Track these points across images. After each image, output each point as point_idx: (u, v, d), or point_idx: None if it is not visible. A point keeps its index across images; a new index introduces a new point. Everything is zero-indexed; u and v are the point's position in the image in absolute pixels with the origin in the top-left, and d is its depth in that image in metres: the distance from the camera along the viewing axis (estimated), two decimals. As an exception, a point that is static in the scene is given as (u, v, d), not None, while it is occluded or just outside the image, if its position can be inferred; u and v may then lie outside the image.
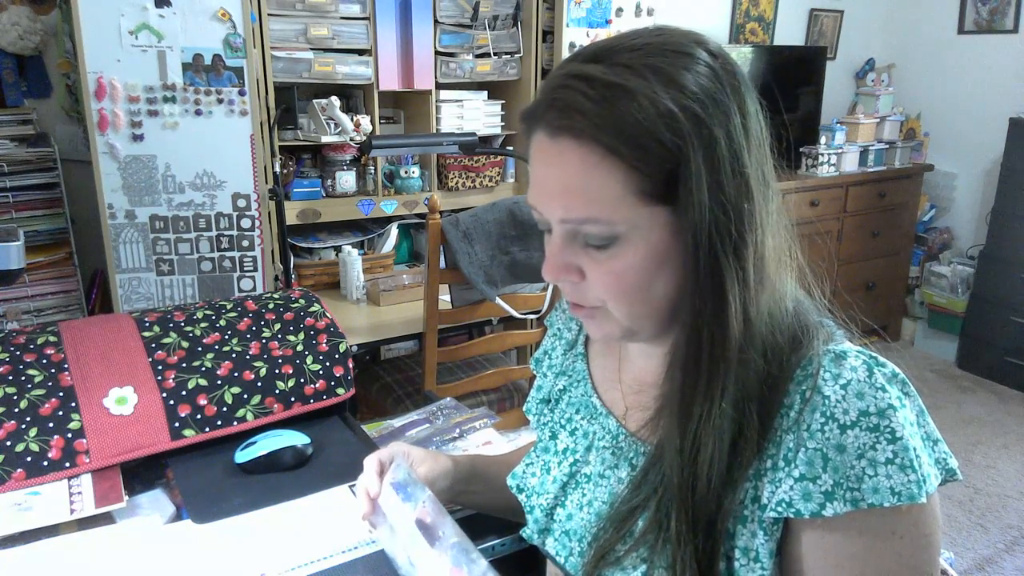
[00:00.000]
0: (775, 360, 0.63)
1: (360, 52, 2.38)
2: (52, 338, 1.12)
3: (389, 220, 2.61)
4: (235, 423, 1.10)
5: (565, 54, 2.66)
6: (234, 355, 1.15)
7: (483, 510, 0.98)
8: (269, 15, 2.19)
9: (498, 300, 2.02)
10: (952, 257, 3.90)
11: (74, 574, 0.84)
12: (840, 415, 0.59)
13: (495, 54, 2.61)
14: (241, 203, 2.11)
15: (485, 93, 2.70)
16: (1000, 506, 2.61)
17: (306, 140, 2.38)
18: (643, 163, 0.59)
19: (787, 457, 0.61)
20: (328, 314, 1.26)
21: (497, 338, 2.13)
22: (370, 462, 0.87)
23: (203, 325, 1.19)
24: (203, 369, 1.12)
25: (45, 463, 0.98)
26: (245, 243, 2.14)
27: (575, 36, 2.66)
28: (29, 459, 0.98)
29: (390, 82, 2.45)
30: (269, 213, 2.15)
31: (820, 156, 3.52)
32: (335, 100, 2.32)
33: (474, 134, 2.05)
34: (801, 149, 3.57)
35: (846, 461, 0.58)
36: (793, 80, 3.64)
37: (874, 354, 0.63)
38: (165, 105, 1.98)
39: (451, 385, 2.05)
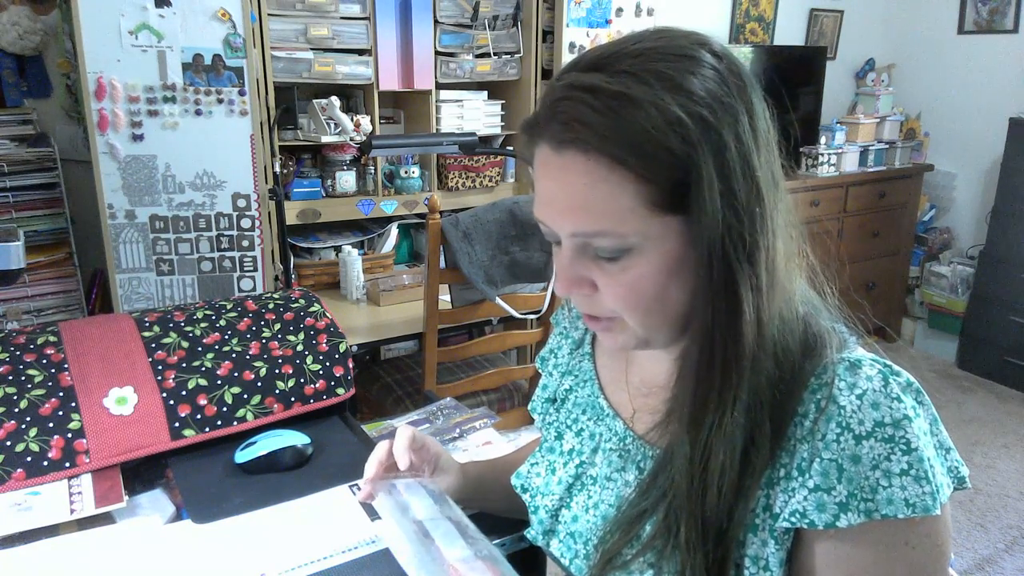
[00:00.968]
0: (787, 364, 0.62)
1: (360, 52, 2.38)
2: (52, 338, 1.12)
3: (389, 220, 2.61)
4: (235, 423, 1.10)
5: (565, 54, 2.66)
6: (234, 355, 1.15)
7: (488, 512, 0.98)
8: (269, 15, 2.19)
9: (498, 300, 2.02)
10: (952, 257, 3.90)
11: (74, 574, 0.84)
12: (855, 425, 0.58)
13: (495, 54, 2.61)
14: (241, 203, 2.11)
15: (485, 93, 2.70)
16: (1000, 506, 2.61)
17: (306, 140, 2.38)
18: (653, 173, 0.57)
19: (801, 467, 0.60)
20: (328, 314, 1.26)
21: (497, 338, 2.13)
22: (404, 432, 0.85)
23: (203, 325, 1.19)
24: (203, 369, 1.12)
25: (45, 463, 0.98)
26: (245, 243, 2.14)
27: (575, 36, 2.66)
28: (29, 459, 0.98)
29: (390, 82, 2.45)
30: (269, 213, 2.15)
31: (820, 156, 3.52)
32: (335, 100, 2.32)
33: (474, 134, 2.04)
34: (801, 149, 3.57)
35: (861, 472, 0.58)
36: (793, 80, 3.64)
37: (889, 363, 0.63)
38: (165, 105, 1.98)
39: (451, 385, 2.05)
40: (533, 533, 0.82)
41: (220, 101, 2.03)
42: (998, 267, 3.44)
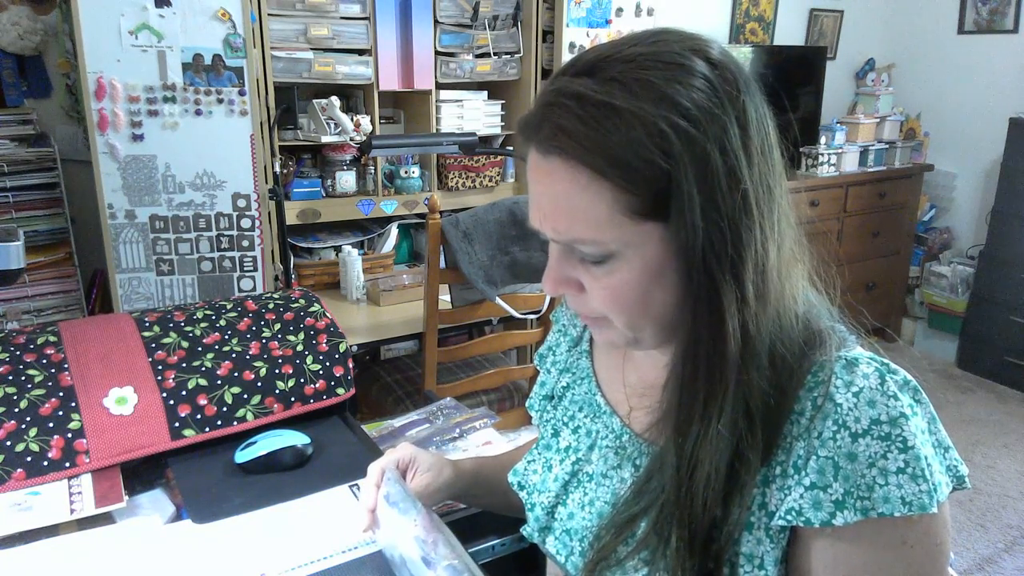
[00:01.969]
0: (784, 371, 0.62)
1: (360, 52, 2.38)
2: (52, 338, 1.12)
3: (389, 220, 2.61)
4: (235, 423, 1.10)
5: (565, 54, 2.66)
6: (234, 355, 1.15)
7: (486, 509, 0.98)
8: (269, 15, 2.19)
9: (498, 300, 2.02)
10: (952, 257, 3.90)
11: (74, 574, 0.84)
12: (852, 423, 0.58)
13: (495, 54, 2.61)
14: (241, 203, 2.11)
15: (485, 93, 2.70)
16: (1000, 506, 2.61)
17: (306, 140, 2.38)
18: (633, 184, 0.57)
19: (797, 465, 0.60)
20: (328, 314, 1.26)
21: (497, 338, 2.13)
22: (373, 470, 0.87)
23: (203, 325, 1.19)
24: (203, 369, 1.12)
25: (45, 463, 0.98)
26: (245, 243, 2.14)
27: (575, 36, 2.66)
28: (29, 459, 0.98)
29: (390, 82, 2.45)
30: (269, 213, 2.15)
31: (820, 156, 3.52)
32: (335, 100, 2.32)
33: (474, 134, 2.05)
34: (801, 149, 3.57)
35: (857, 470, 0.58)
36: (793, 80, 3.64)
37: (886, 361, 0.63)
38: (165, 105, 1.98)
39: (451, 385, 2.05)
40: (530, 530, 0.83)
41: (220, 101, 2.03)
42: (998, 267, 3.44)
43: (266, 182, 2.14)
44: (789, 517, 0.60)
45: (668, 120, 0.56)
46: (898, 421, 0.58)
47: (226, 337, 1.18)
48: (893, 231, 3.82)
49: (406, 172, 2.57)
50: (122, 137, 1.96)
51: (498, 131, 2.74)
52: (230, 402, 1.10)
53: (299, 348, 1.19)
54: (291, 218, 2.31)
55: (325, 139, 2.34)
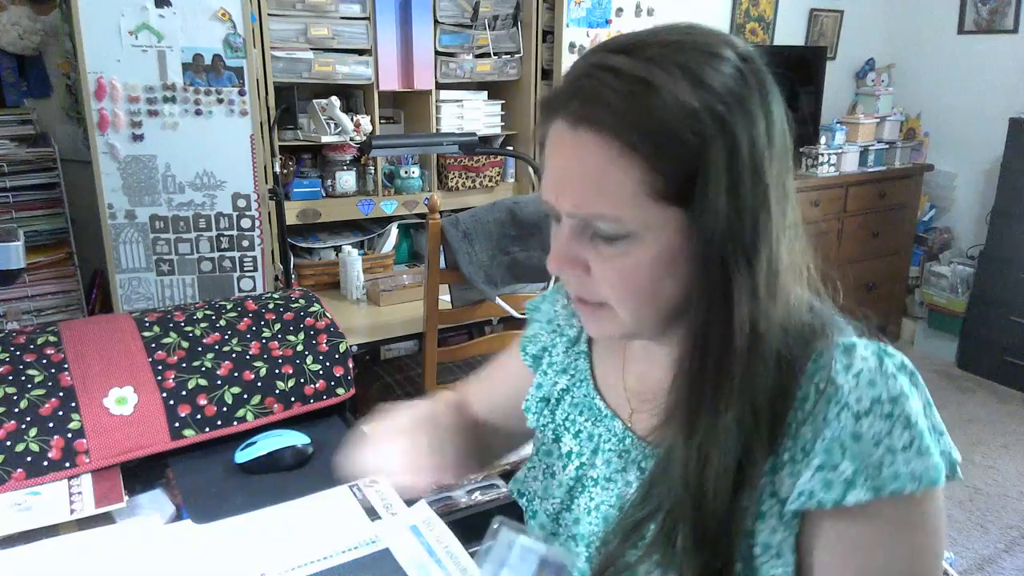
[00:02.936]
0: (787, 362, 0.62)
1: (360, 52, 2.38)
2: (52, 338, 1.12)
3: (389, 220, 2.61)
4: (235, 423, 1.10)
5: (565, 54, 2.66)
6: (234, 355, 1.15)
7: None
8: (269, 15, 2.19)
9: (498, 300, 2.02)
10: (952, 257, 3.90)
11: (74, 574, 0.84)
12: (853, 403, 0.59)
13: (495, 54, 2.61)
14: (241, 203, 2.11)
15: (485, 93, 2.70)
16: (1000, 506, 2.61)
17: (306, 140, 2.38)
18: (662, 162, 0.57)
19: (805, 448, 0.60)
20: (328, 314, 1.26)
21: (497, 338, 2.13)
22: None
23: (203, 325, 1.19)
24: (203, 369, 1.12)
25: (45, 463, 0.98)
26: (245, 243, 2.14)
27: (575, 36, 2.66)
28: (29, 459, 0.98)
29: (390, 82, 2.45)
30: (269, 213, 2.15)
31: (820, 156, 3.52)
32: (335, 100, 2.32)
33: (474, 134, 2.05)
34: (801, 149, 3.57)
35: (864, 449, 0.58)
36: (793, 80, 3.62)
37: (883, 345, 0.63)
38: (165, 105, 1.98)
39: (451, 385, 2.05)
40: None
41: (220, 101, 2.03)
42: (998, 267, 3.44)
43: (266, 182, 2.14)
44: (802, 500, 0.60)
45: (703, 102, 0.56)
46: (899, 400, 0.59)
47: (226, 337, 1.18)
48: (893, 231, 3.82)
49: (406, 172, 2.57)
50: (122, 137, 1.96)
51: (498, 131, 2.74)
52: (230, 402, 1.10)
53: (299, 348, 1.19)
54: (291, 218, 2.30)
55: (325, 139, 2.34)
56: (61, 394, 1.04)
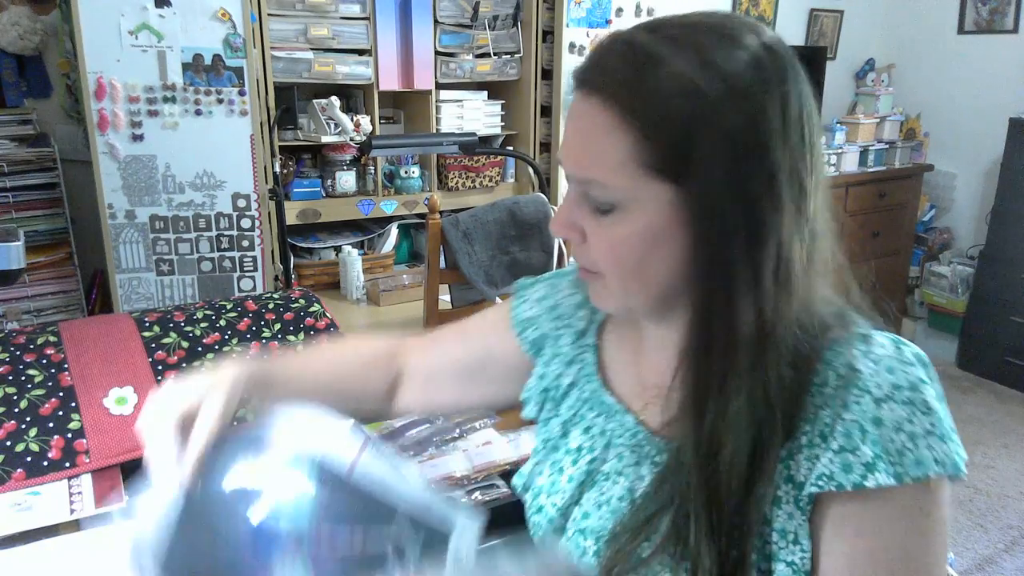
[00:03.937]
0: (804, 350, 0.62)
1: (360, 52, 2.38)
2: (52, 338, 1.12)
3: (389, 220, 2.61)
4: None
5: (565, 54, 2.66)
6: (234, 355, 1.15)
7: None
8: (269, 15, 2.20)
9: (498, 300, 2.02)
10: (952, 257, 3.90)
11: (74, 574, 0.84)
12: (874, 388, 0.59)
13: (495, 54, 2.61)
14: (241, 203, 2.11)
15: (485, 93, 2.70)
16: (1000, 506, 2.61)
17: (306, 140, 2.38)
18: (654, 133, 0.58)
19: (823, 433, 0.60)
20: (328, 314, 1.26)
21: (497, 338, 2.13)
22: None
23: (203, 325, 1.19)
24: (203, 369, 1.12)
25: (45, 463, 0.98)
26: (245, 243, 2.14)
27: (575, 36, 2.66)
28: (29, 459, 0.98)
29: (390, 82, 2.45)
30: (269, 213, 2.15)
31: (820, 156, 3.52)
32: (335, 100, 2.32)
33: (474, 134, 2.05)
34: (801, 149, 3.57)
35: (885, 434, 0.58)
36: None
37: (899, 337, 0.64)
38: (165, 105, 1.98)
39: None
40: (540, 533, 0.81)
41: (220, 101, 2.03)
42: (998, 267, 3.44)
43: (266, 182, 2.14)
44: (820, 483, 0.59)
45: (705, 80, 0.57)
46: (918, 386, 0.59)
47: (226, 337, 1.18)
48: (893, 231, 3.82)
49: (406, 172, 2.57)
50: (122, 137, 1.97)
51: (498, 131, 2.74)
52: (230, 402, 1.10)
53: (299, 348, 1.19)
54: (291, 218, 2.31)
55: (325, 139, 2.34)
56: (61, 394, 1.04)
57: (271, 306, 1.25)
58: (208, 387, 0.71)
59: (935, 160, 3.96)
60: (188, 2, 1.94)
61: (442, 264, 1.98)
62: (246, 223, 2.13)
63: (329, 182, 2.46)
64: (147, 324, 1.17)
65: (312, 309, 1.26)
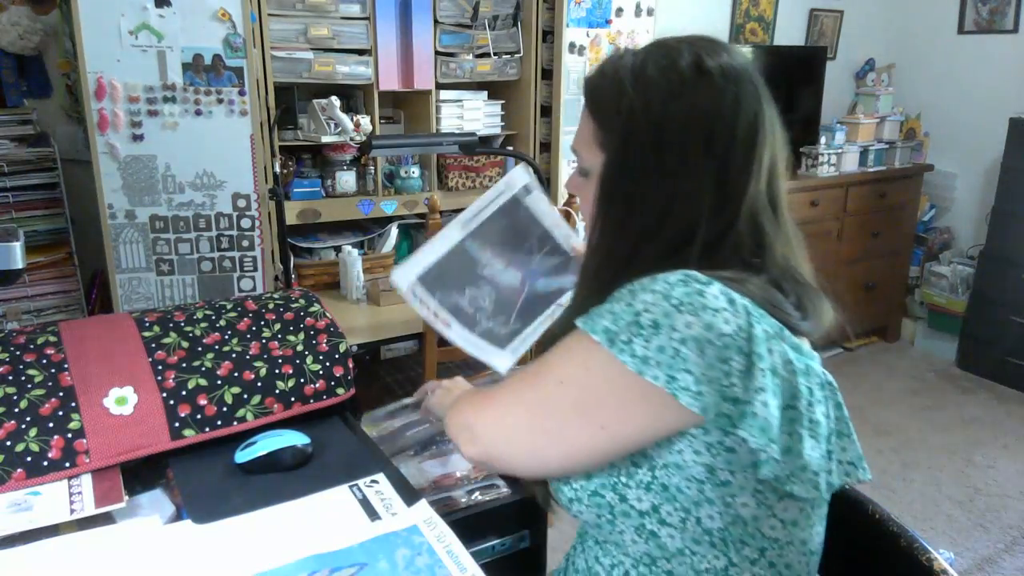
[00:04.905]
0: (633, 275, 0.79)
1: (360, 52, 2.39)
2: (52, 338, 1.12)
3: (389, 220, 2.61)
4: (235, 423, 1.10)
5: (565, 54, 2.66)
6: (234, 355, 1.15)
7: None
8: (269, 15, 2.20)
9: (498, 300, 2.02)
10: (952, 257, 3.90)
11: (74, 574, 0.84)
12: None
13: (495, 54, 2.61)
14: (241, 203, 2.11)
15: (485, 93, 2.70)
16: (1000, 506, 2.61)
17: (306, 140, 2.38)
18: (601, 121, 0.83)
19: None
20: (328, 314, 1.26)
21: (497, 338, 2.13)
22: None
23: (203, 325, 1.19)
24: (203, 369, 1.12)
25: (45, 463, 0.98)
26: (245, 243, 2.14)
27: (575, 36, 2.66)
28: (29, 459, 0.98)
29: (390, 82, 2.45)
30: (269, 213, 2.15)
31: (820, 156, 3.52)
32: (335, 100, 2.32)
33: (474, 134, 2.05)
34: (801, 149, 3.56)
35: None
36: (793, 80, 3.64)
37: (692, 277, 0.73)
38: (165, 105, 1.98)
39: (451, 385, 2.05)
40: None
41: (220, 101, 2.03)
42: (998, 267, 3.44)
43: (266, 182, 2.14)
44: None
45: (632, 83, 0.79)
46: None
47: (226, 337, 1.18)
48: (893, 231, 3.82)
49: (406, 172, 2.57)
50: (122, 137, 1.97)
51: (498, 131, 2.74)
52: (230, 402, 1.10)
53: (299, 348, 1.19)
54: (291, 218, 2.31)
55: (325, 139, 2.34)
56: (61, 394, 1.04)
57: (271, 306, 1.25)
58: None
59: (935, 160, 3.96)
60: (188, 2, 1.94)
61: (442, 264, 1.97)
62: (246, 223, 2.13)
63: (329, 182, 2.46)
64: (147, 324, 1.17)
65: (312, 309, 1.26)
